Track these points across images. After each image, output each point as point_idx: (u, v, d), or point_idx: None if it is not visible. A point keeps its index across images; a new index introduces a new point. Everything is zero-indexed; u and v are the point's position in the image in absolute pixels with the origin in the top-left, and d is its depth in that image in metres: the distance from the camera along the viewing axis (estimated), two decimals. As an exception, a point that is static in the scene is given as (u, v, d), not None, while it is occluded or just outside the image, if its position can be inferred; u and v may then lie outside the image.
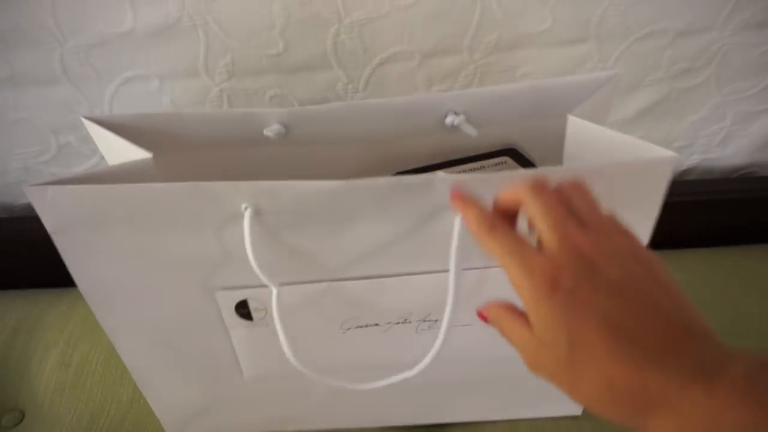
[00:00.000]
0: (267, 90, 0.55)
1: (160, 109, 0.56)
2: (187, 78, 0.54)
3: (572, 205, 0.28)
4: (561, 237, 0.27)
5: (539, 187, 0.28)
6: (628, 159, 0.33)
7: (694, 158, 0.66)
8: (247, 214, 0.32)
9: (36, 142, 0.58)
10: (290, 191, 0.32)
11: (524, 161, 0.46)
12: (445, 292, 0.32)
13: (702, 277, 0.61)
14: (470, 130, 0.40)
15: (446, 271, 0.31)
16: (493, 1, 0.51)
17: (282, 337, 0.34)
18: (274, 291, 0.34)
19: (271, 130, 0.39)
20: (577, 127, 0.37)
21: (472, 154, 0.45)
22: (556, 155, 0.40)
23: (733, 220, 0.65)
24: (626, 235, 0.28)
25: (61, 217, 0.33)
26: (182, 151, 0.41)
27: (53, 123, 0.57)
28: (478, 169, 0.45)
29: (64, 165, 0.60)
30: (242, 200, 0.32)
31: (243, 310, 0.38)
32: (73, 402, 0.52)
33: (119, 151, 0.37)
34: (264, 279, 0.33)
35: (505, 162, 0.45)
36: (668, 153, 0.31)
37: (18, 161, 0.59)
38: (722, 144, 0.65)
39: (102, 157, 0.59)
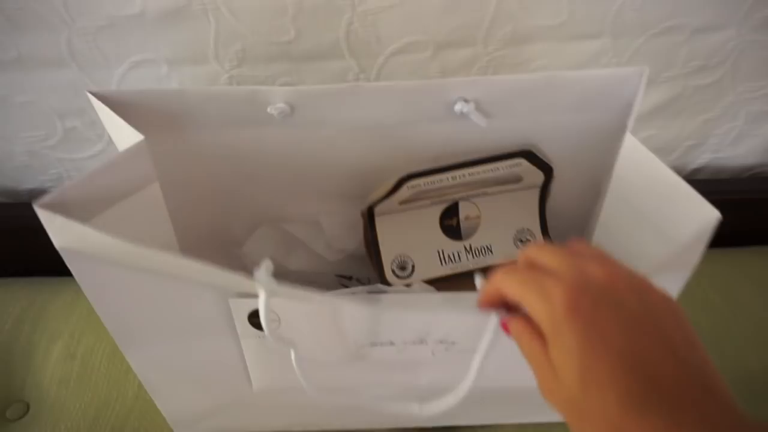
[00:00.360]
0: (277, 78, 0.54)
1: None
2: (196, 64, 0.53)
3: (575, 249, 0.28)
4: (577, 267, 0.26)
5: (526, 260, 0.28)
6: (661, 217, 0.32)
7: (705, 157, 0.65)
8: (263, 296, 0.30)
9: (42, 125, 0.57)
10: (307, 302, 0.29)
11: (540, 163, 0.45)
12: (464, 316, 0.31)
13: (710, 277, 0.61)
14: (479, 120, 0.40)
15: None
16: (509, -8, 0.50)
17: (292, 355, 0.33)
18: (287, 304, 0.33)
19: (275, 108, 0.38)
20: (632, 148, 0.36)
21: (484, 149, 0.44)
22: (574, 153, 0.39)
23: (743, 221, 0.64)
24: (639, 274, 0.27)
25: (67, 242, 0.31)
26: (185, 130, 0.40)
27: (59, 106, 0.56)
28: (491, 171, 0.44)
29: (70, 150, 0.59)
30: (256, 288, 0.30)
31: (256, 319, 0.37)
32: (78, 395, 0.52)
33: (117, 128, 0.36)
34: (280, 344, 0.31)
35: (520, 164, 0.45)
36: (713, 213, 0.30)
37: (23, 145, 0.58)
38: (734, 143, 0.65)
39: (109, 142, 0.59)
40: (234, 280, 0.29)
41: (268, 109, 0.39)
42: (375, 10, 0.50)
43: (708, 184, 0.65)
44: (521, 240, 0.49)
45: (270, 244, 0.49)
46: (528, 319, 0.27)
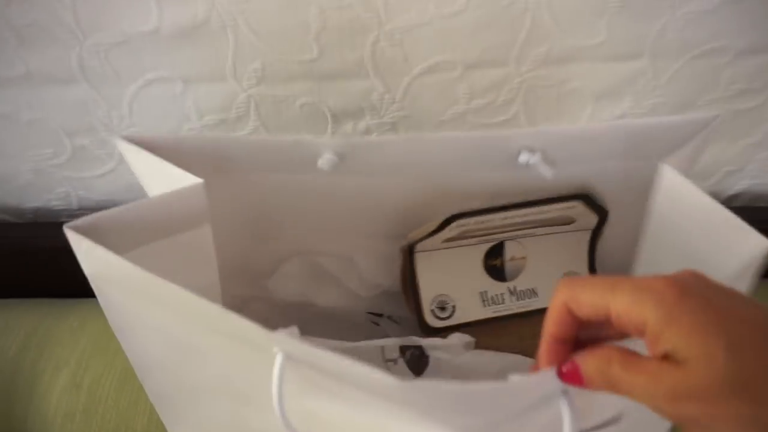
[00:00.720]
0: (298, 98, 0.52)
1: (182, 114, 0.52)
2: (213, 82, 0.50)
3: None
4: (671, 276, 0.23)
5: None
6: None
7: (744, 183, 0.62)
8: (279, 359, 0.27)
9: (49, 143, 0.55)
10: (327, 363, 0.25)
11: (597, 207, 0.42)
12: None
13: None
14: (546, 171, 0.37)
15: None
16: (544, 12, 0.47)
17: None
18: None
19: (324, 161, 0.36)
20: (670, 180, 0.33)
21: (539, 190, 0.41)
22: (633, 200, 0.36)
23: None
24: None
25: (94, 269, 0.29)
26: (229, 174, 0.37)
27: (68, 124, 0.53)
28: (544, 213, 0.42)
29: (79, 168, 0.57)
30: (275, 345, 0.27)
31: None
32: (84, 429, 0.49)
33: (162, 175, 0.33)
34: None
35: (575, 207, 0.42)
36: (762, 242, 0.28)
37: (29, 163, 0.56)
38: (774, 169, 0.62)
39: (119, 161, 0.56)
40: (254, 331, 0.26)
41: (319, 163, 0.36)
42: (403, 28, 0.48)
43: (747, 211, 0.61)
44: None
45: (299, 277, 0.46)
46: (603, 348, 0.24)
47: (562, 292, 0.25)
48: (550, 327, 0.25)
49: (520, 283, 0.46)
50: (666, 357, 0.22)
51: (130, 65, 0.49)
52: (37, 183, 0.58)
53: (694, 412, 0.22)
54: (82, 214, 0.58)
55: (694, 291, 0.22)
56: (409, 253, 0.45)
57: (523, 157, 0.37)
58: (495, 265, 0.46)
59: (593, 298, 0.24)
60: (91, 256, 0.28)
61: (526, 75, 0.51)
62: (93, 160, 0.56)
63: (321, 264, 0.46)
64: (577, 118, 0.55)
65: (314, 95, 0.52)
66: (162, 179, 0.35)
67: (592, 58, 0.51)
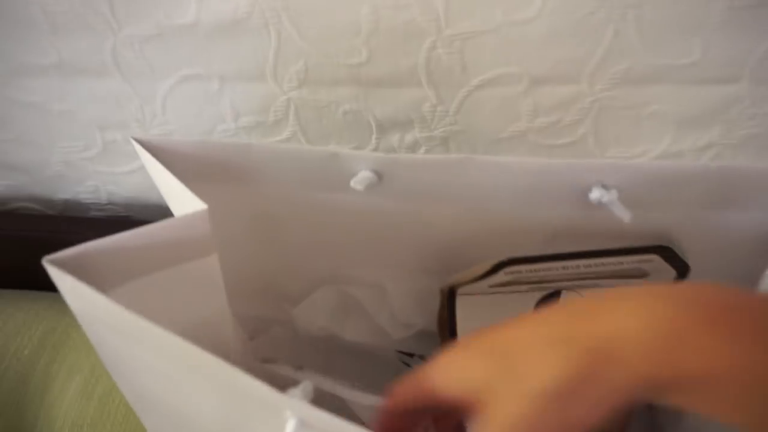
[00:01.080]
0: (341, 104, 0.47)
1: (217, 114, 0.48)
2: (252, 81, 0.46)
3: None
4: None
5: None
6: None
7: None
8: (291, 425, 0.22)
9: (80, 136, 0.52)
10: None
11: (677, 262, 0.35)
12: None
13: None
14: (622, 213, 0.31)
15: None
16: (630, 24, 0.41)
17: None
18: None
19: (359, 180, 0.31)
20: None
21: (609, 236, 0.35)
22: (722, 256, 0.30)
23: None
24: None
25: (82, 306, 0.25)
26: (247, 184, 0.33)
27: (100, 118, 0.50)
28: (615, 265, 0.35)
29: (109, 163, 0.54)
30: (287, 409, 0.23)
31: None
32: (90, 442, 0.46)
33: (169, 188, 0.29)
34: None
35: (652, 260, 0.36)
36: None
37: (60, 155, 0.53)
38: None
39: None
40: (261, 392, 0.22)
41: (352, 183, 0.31)
42: (464, 34, 0.42)
43: None
44: None
45: (327, 309, 0.41)
46: None
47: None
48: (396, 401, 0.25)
49: None
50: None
51: (165, 59, 0.45)
52: (67, 175, 0.55)
53: None
54: (111, 208, 0.55)
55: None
56: (449, 295, 0.39)
57: (595, 194, 0.31)
58: None
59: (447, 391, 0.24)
60: (75, 294, 0.24)
61: (600, 94, 0.45)
62: (123, 156, 0.53)
63: (351, 295, 0.41)
64: (655, 145, 0.48)
65: (359, 102, 0.47)
66: (170, 192, 0.31)
67: (680, 80, 0.44)
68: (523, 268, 0.36)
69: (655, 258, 0.35)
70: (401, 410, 0.25)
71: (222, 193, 0.32)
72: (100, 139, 0.52)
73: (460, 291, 0.39)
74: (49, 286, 0.60)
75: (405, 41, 0.43)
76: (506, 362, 0.21)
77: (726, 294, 0.21)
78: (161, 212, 0.57)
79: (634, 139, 0.48)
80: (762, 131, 0.47)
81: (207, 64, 0.45)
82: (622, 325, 0.20)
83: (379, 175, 0.31)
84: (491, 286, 0.38)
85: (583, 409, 0.20)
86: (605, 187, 0.31)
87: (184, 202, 0.28)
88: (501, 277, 0.37)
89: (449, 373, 0.23)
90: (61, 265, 0.23)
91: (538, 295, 0.40)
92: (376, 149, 0.50)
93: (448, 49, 0.43)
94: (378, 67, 0.45)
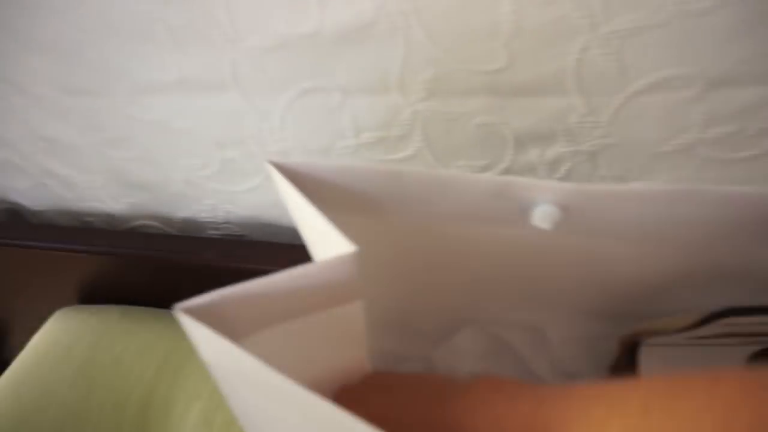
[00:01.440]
0: (474, 116, 0.42)
1: (337, 130, 0.45)
2: (375, 94, 0.42)
3: None
4: None
5: None
6: None
7: None
8: None
9: (199, 154, 0.51)
10: None
11: None
12: None
13: None
14: None
15: None
16: None
17: None
18: None
19: (544, 217, 0.25)
20: None
21: None
22: None
23: None
24: None
25: (214, 357, 0.22)
26: (393, 213, 0.29)
27: (218, 135, 0.49)
28: None
29: (226, 181, 0.52)
30: None
31: None
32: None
33: (309, 222, 0.26)
34: None
35: None
36: None
37: (180, 173, 0.52)
38: None
39: (267, 176, 0.51)
40: None
41: (536, 221, 0.26)
42: (625, 31, 0.36)
43: None
44: None
45: (474, 351, 0.36)
46: None
47: None
48: None
49: None
50: None
51: (285, 72, 0.43)
52: (187, 193, 0.55)
53: None
54: (227, 227, 0.53)
55: None
56: (631, 346, 0.33)
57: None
58: None
59: None
60: (208, 345, 0.21)
61: (798, 98, 0.37)
62: (241, 174, 0.51)
63: (502, 338, 0.35)
64: None
65: (495, 114, 0.42)
66: (309, 226, 0.27)
67: None
68: (745, 320, 0.29)
69: None
70: None
71: (364, 224, 0.28)
72: (218, 156, 0.50)
73: (647, 341, 0.32)
74: (169, 304, 0.59)
75: (553, 42, 0.37)
76: None
77: None
78: (277, 232, 0.56)
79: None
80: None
81: (328, 76, 0.42)
82: None
83: (564, 209, 0.25)
84: (690, 338, 0.31)
85: None
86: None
87: (328, 240, 0.24)
88: (712, 329, 0.30)
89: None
90: (194, 313, 0.20)
91: (750, 349, 0.32)
92: (510, 166, 0.44)
93: (604, 49, 0.37)
94: (519, 74, 0.39)
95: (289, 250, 0.51)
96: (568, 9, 0.35)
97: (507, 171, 0.45)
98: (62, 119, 0.51)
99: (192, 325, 0.21)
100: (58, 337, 0.54)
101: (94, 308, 0.57)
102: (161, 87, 0.46)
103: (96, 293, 0.59)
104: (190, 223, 0.57)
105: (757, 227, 0.26)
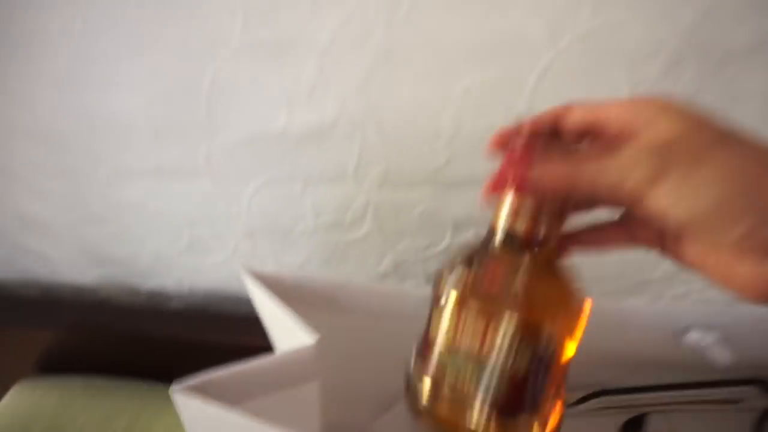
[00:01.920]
0: (418, 204, 0.48)
1: (298, 213, 0.50)
2: (333, 183, 0.48)
3: None
4: None
5: None
6: None
7: None
8: None
9: (170, 231, 0.55)
10: None
11: None
12: None
13: None
14: (721, 355, 0.30)
15: None
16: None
17: None
18: None
19: None
20: None
21: (707, 373, 0.33)
22: None
23: None
24: None
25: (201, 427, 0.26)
26: (347, 315, 0.34)
27: (189, 215, 0.53)
28: (708, 394, 0.34)
29: (194, 256, 0.56)
30: None
31: None
32: None
33: (278, 319, 0.31)
34: None
35: (747, 391, 0.34)
36: None
37: (151, 248, 0.56)
38: None
39: (233, 251, 0.55)
40: None
41: None
42: (544, 139, 0.43)
43: None
44: None
45: (409, 422, 0.40)
46: None
47: (558, 107, 0.26)
48: (531, 121, 0.28)
49: None
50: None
51: (254, 163, 0.48)
52: (155, 266, 0.58)
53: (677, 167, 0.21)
54: (191, 299, 0.57)
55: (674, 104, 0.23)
56: None
57: (693, 336, 0.30)
58: None
59: (584, 109, 0.25)
60: (199, 416, 0.25)
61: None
62: (208, 251, 0.55)
63: None
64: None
65: (437, 201, 0.48)
66: (275, 322, 0.32)
67: None
68: (615, 398, 0.34)
69: (751, 390, 0.33)
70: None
71: (321, 318, 0.33)
72: (188, 234, 0.54)
73: None
74: (132, 374, 0.61)
75: (485, 145, 0.44)
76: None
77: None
78: (236, 305, 0.59)
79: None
80: None
81: (292, 167, 0.48)
82: None
83: None
84: (572, 413, 0.37)
85: None
86: (704, 329, 0.30)
87: (292, 331, 0.29)
88: (589, 405, 0.35)
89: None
90: (185, 392, 0.24)
91: (623, 417, 0.38)
92: (450, 245, 0.50)
93: (527, 152, 0.44)
94: (457, 170, 0.45)
95: (248, 324, 0.54)
96: (498, 119, 0.42)
97: (447, 250, 0.51)
98: (42, 199, 0.54)
99: (184, 402, 0.25)
100: (17, 412, 0.55)
101: (56, 380, 0.58)
102: (139, 173, 0.50)
103: (59, 364, 0.61)
104: (156, 295, 0.60)
105: (626, 329, 0.32)
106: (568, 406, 0.35)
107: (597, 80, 0.39)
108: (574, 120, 0.25)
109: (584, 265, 0.49)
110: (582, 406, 0.35)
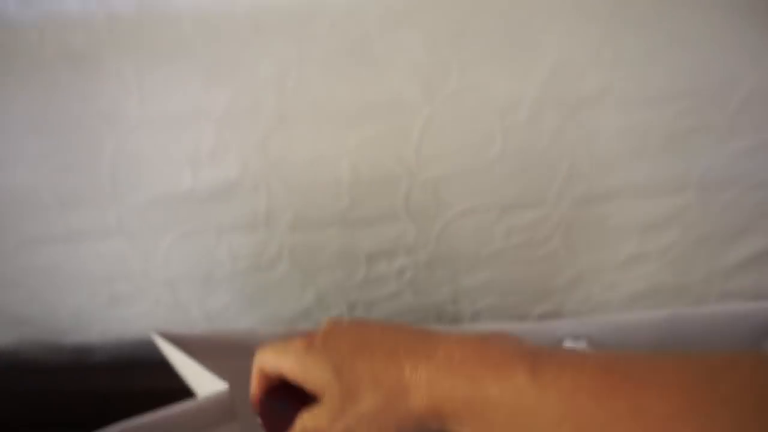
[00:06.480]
0: (330, 243, 0.51)
1: (215, 261, 0.52)
2: (247, 232, 0.50)
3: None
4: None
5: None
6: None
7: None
8: None
9: (87, 290, 0.55)
10: None
11: None
12: None
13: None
14: None
15: None
16: (582, 156, 0.46)
17: None
18: None
19: None
20: None
21: None
22: None
23: None
24: None
25: None
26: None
27: (105, 274, 0.54)
28: None
29: (116, 308, 0.57)
30: None
31: None
32: None
33: (192, 371, 0.33)
34: None
35: None
36: None
37: (69, 308, 0.56)
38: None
39: (155, 302, 0.56)
40: None
41: None
42: (436, 178, 0.47)
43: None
44: None
45: None
46: None
47: (257, 357, 0.32)
48: (254, 389, 0.32)
49: None
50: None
51: (166, 220, 0.49)
52: (76, 323, 0.58)
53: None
54: (118, 351, 0.58)
55: (320, 342, 0.31)
56: None
57: (568, 344, 0.35)
58: None
59: (271, 364, 0.32)
60: None
61: (566, 213, 0.49)
62: (130, 302, 0.56)
63: None
64: (621, 249, 0.52)
65: (347, 239, 0.51)
66: (191, 375, 0.34)
67: (634, 195, 0.49)
68: None
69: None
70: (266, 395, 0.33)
71: (233, 366, 0.36)
72: (106, 291, 0.55)
73: None
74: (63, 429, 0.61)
75: (383, 187, 0.48)
76: (348, 383, 0.29)
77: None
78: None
79: (602, 246, 0.52)
80: (715, 230, 0.51)
81: (204, 221, 0.49)
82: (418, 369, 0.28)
83: None
84: None
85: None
86: (576, 337, 0.35)
87: (205, 382, 0.31)
88: None
89: (307, 367, 0.31)
90: None
91: None
92: (366, 277, 0.54)
93: (422, 190, 0.48)
94: (361, 210, 0.49)
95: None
96: (391, 166, 0.46)
97: (364, 280, 0.54)
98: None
99: None
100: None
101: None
102: (49, 239, 0.51)
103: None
104: (79, 349, 0.61)
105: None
106: None
107: (473, 128, 0.44)
108: (272, 374, 0.32)
109: (492, 281, 0.53)
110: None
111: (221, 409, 0.32)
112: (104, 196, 0.47)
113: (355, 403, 0.28)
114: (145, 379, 0.56)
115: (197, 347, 0.34)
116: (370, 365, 0.29)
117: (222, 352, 0.36)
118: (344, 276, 0.54)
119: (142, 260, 0.52)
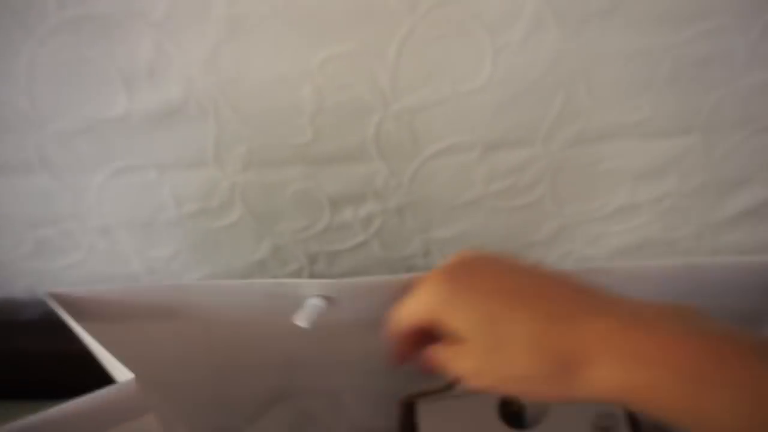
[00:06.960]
0: (290, 184, 0.45)
1: (157, 203, 0.45)
2: (192, 169, 0.44)
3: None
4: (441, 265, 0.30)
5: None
6: None
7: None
8: None
9: (10, 235, 0.48)
10: None
11: None
12: None
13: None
14: None
15: None
16: (580, 86, 0.40)
17: None
18: None
19: (305, 317, 0.29)
20: None
21: None
22: None
23: None
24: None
25: None
26: (189, 320, 0.30)
27: (30, 215, 0.46)
28: None
29: (44, 259, 0.50)
30: None
31: None
32: None
33: (96, 350, 0.27)
34: None
35: None
36: None
37: (-12, 256, 0.49)
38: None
39: (88, 251, 0.49)
40: None
41: (297, 321, 0.29)
42: (412, 108, 0.41)
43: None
44: (602, 428, 0.38)
45: (282, 427, 0.38)
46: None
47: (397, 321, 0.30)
48: (401, 352, 0.31)
49: (544, 430, 0.39)
50: (457, 340, 0.27)
51: (96, 153, 0.42)
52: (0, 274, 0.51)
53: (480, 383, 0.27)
54: (47, 307, 0.51)
55: (461, 274, 0.28)
56: (408, 406, 0.37)
57: None
58: (512, 411, 0.39)
59: (412, 319, 0.29)
60: None
61: (555, 155, 0.44)
62: (59, 251, 0.49)
63: (306, 411, 0.38)
64: (612, 198, 0.48)
65: (309, 180, 0.45)
66: (96, 350, 0.28)
67: (633, 135, 0.44)
68: None
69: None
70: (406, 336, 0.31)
71: (163, 329, 0.29)
72: (31, 236, 0.48)
73: (422, 401, 0.37)
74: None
75: (351, 118, 0.41)
76: (496, 340, 0.26)
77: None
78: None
79: (592, 195, 0.47)
80: (714, 178, 0.47)
81: (142, 155, 0.43)
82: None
83: (330, 300, 0.29)
84: (451, 394, 0.36)
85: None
86: None
87: (112, 364, 0.25)
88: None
89: (450, 310, 0.28)
90: None
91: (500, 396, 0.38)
92: (329, 225, 0.48)
93: (396, 123, 0.41)
94: (325, 145, 0.43)
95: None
96: (363, 90, 0.40)
97: (326, 229, 0.48)
98: None
99: None
100: None
101: None
102: (-43, 172, 0.43)
103: None
104: (6, 305, 0.54)
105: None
106: (439, 391, 0.35)
107: (459, 47, 0.37)
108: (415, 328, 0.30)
109: (467, 232, 0.48)
110: (459, 387, 0.35)
111: (129, 401, 0.26)
112: (21, 120, 0.40)
113: (508, 364, 0.25)
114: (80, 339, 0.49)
115: (109, 308, 0.28)
116: (530, 323, 0.25)
117: (144, 311, 0.30)
118: (305, 224, 0.48)
119: (70, 201, 0.45)
